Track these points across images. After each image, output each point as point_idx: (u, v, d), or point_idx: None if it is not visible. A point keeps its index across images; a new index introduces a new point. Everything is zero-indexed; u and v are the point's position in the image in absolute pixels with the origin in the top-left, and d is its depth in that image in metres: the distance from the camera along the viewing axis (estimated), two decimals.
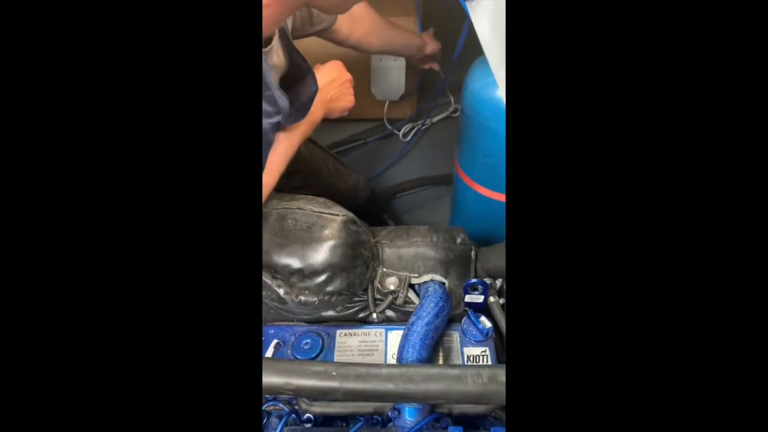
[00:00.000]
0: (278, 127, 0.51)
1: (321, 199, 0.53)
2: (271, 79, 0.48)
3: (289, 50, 0.54)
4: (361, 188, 0.90)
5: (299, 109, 0.55)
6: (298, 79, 0.55)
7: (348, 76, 0.61)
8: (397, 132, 1.09)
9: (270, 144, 0.51)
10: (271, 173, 0.51)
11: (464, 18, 0.72)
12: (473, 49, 0.64)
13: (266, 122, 0.47)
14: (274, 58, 0.52)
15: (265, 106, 0.47)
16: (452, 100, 1.14)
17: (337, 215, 0.50)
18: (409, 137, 1.10)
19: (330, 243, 0.47)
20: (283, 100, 0.49)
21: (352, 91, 0.61)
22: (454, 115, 1.13)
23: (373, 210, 1.01)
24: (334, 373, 0.37)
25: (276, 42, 0.51)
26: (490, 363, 0.46)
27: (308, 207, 0.50)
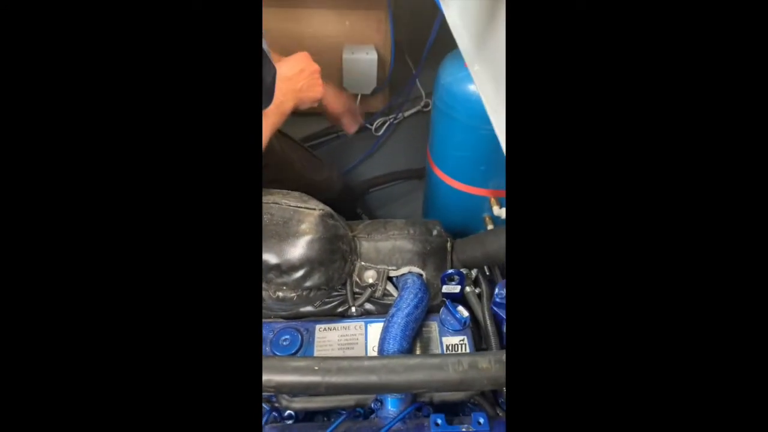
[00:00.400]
0: None
1: (296, 193, 0.52)
2: None
3: None
4: (335, 181, 0.89)
5: (265, 93, 0.53)
6: None
7: (316, 66, 0.60)
8: (369, 126, 1.09)
9: None
10: None
11: (436, 12, 0.73)
12: (446, 43, 0.64)
13: None
14: None
15: None
16: (423, 94, 1.15)
17: (314, 209, 0.49)
18: (382, 131, 1.10)
19: (307, 237, 0.47)
20: None
21: (320, 81, 0.60)
22: (425, 109, 1.14)
23: (347, 204, 1.01)
24: (316, 368, 0.37)
25: None
26: (468, 351, 0.47)
27: (284, 201, 0.49)
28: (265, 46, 0.53)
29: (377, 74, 1.00)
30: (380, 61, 0.98)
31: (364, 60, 0.96)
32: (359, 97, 1.04)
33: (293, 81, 0.56)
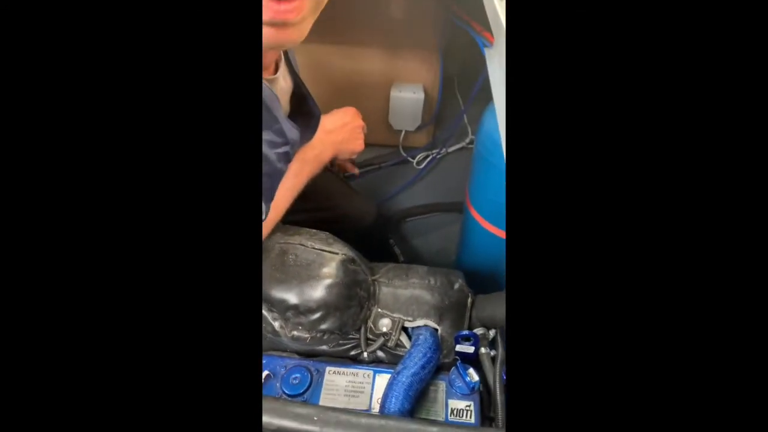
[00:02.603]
0: (287, 157, 0.53)
1: (323, 235, 0.54)
2: (280, 112, 0.49)
3: (292, 74, 0.55)
4: (369, 213, 0.91)
5: (305, 135, 0.56)
6: (301, 101, 0.56)
7: (360, 122, 0.63)
8: (411, 159, 1.11)
9: (278, 173, 0.52)
10: (277, 208, 0.53)
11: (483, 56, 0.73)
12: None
13: (273, 152, 0.48)
14: (281, 82, 0.52)
15: (272, 137, 0.48)
16: (470, 130, 1.15)
17: (337, 254, 0.51)
18: (423, 165, 1.11)
19: (327, 282, 0.48)
20: (293, 132, 0.51)
21: (362, 136, 0.64)
22: (469, 145, 1.14)
23: (381, 233, 1.02)
24: (315, 418, 0.38)
25: (283, 65, 0.52)
26: (473, 418, 0.46)
27: (309, 243, 0.52)
28: (305, 88, 0.55)
29: (423, 112, 1.01)
30: (427, 99, 0.99)
31: (411, 99, 0.98)
32: (403, 132, 1.06)
33: (335, 134, 0.60)
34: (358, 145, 0.63)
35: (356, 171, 0.84)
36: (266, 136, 0.47)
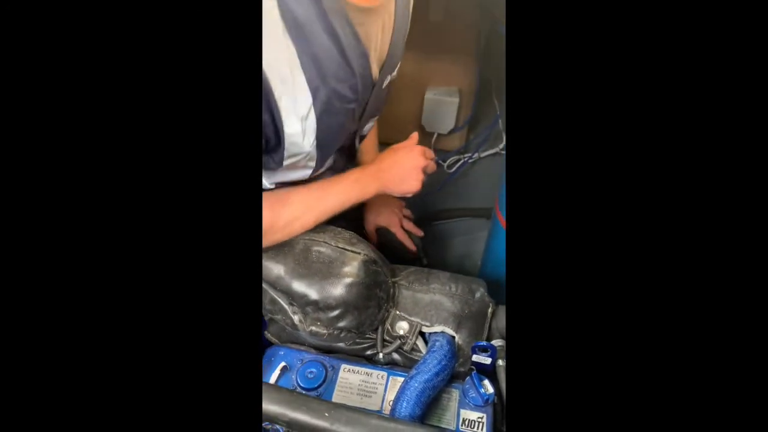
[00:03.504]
0: (352, 114, 0.50)
1: (347, 234, 0.55)
2: (364, 68, 0.45)
3: (399, 17, 0.49)
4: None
5: (373, 104, 0.53)
6: (391, 59, 0.51)
7: (422, 162, 0.56)
8: (442, 163, 1.10)
9: (341, 127, 0.49)
10: (311, 219, 0.52)
11: None
12: None
13: (343, 106, 0.46)
14: (384, 18, 0.46)
15: (346, 91, 0.45)
16: (504, 136, 1.12)
17: (359, 253, 0.52)
18: (454, 169, 1.10)
19: (347, 280, 0.49)
20: (366, 92, 0.47)
21: (421, 176, 0.57)
22: (503, 151, 1.11)
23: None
24: (327, 414, 0.39)
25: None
26: (485, 431, 0.45)
27: (333, 241, 0.52)
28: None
29: (457, 116, 1.00)
30: (462, 103, 0.98)
31: (446, 102, 0.97)
32: (435, 135, 1.06)
33: (386, 172, 0.56)
34: (413, 185, 0.56)
35: (412, 247, 0.79)
36: (339, 87, 0.44)
